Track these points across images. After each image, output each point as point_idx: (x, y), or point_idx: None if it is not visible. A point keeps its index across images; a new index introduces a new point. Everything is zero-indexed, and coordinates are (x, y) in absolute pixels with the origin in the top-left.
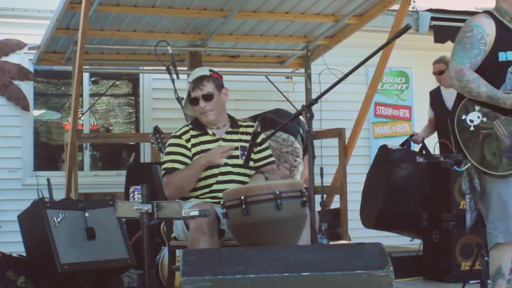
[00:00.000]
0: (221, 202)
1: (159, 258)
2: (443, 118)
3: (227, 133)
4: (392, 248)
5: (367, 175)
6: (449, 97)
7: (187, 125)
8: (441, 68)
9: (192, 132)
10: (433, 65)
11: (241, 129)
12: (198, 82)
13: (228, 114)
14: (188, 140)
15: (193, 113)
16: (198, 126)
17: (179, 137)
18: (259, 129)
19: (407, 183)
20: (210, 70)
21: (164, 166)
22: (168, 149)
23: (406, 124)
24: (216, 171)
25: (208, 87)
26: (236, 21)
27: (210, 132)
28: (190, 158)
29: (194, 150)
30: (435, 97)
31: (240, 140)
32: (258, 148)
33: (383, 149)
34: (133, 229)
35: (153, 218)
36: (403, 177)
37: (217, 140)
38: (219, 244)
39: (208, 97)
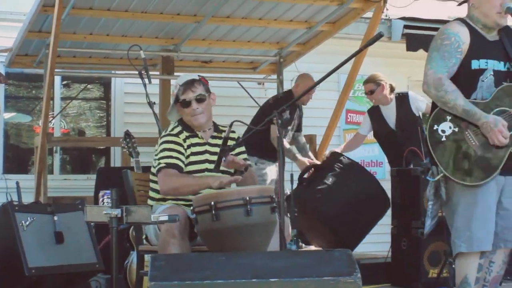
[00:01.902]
0: (191, 208)
1: (128, 263)
2: (389, 134)
3: (212, 137)
4: (361, 255)
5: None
6: (388, 113)
7: (177, 126)
8: (371, 88)
9: (185, 133)
10: (364, 85)
11: (223, 134)
12: (189, 85)
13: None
14: (184, 140)
15: (177, 118)
16: (187, 128)
17: (176, 135)
18: (229, 135)
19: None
20: (198, 75)
21: (163, 160)
22: (166, 145)
23: None
24: (198, 175)
25: (200, 89)
26: (209, 27)
27: (199, 135)
28: (186, 158)
29: (188, 151)
30: (376, 115)
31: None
32: (235, 152)
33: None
34: (102, 234)
35: (122, 223)
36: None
37: (204, 144)
38: (190, 247)
39: (200, 100)
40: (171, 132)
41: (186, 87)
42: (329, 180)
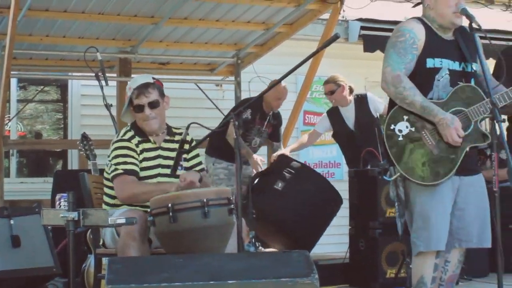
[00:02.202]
0: (148, 210)
1: (85, 266)
2: (348, 135)
3: (165, 141)
4: (319, 256)
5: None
6: (347, 114)
7: (130, 130)
8: (331, 88)
9: (138, 138)
10: (324, 86)
11: (176, 137)
12: (143, 89)
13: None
14: (137, 145)
15: (130, 120)
16: (139, 132)
17: (128, 141)
18: (186, 137)
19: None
20: (153, 78)
21: (119, 166)
22: (119, 151)
23: None
24: (148, 181)
25: (154, 95)
26: (166, 28)
27: (151, 139)
28: (139, 163)
29: (141, 156)
30: (335, 116)
31: (176, 149)
32: (190, 155)
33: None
34: (59, 237)
35: (79, 226)
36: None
37: (157, 148)
38: (149, 251)
39: (153, 105)
40: (123, 138)
41: (140, 92)
42: (279, 185)
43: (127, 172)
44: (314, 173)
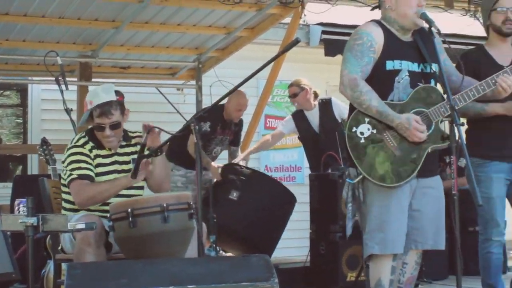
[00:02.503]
0: (108, 215)
1: (45, 272)
2: (313, 138)
3: (121, 146)
4: (280, 260)
5: None
6: (312, 118)
7: (84, 137)
8: (294, 91)
9: (91, 144)
10: (288, 88)
11: (132, 141)
12: (106, 110)
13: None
14: (90, 151)
15: (87, 126)
16: (94, 139)
17: (82, 146)
18: (146, 142)
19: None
20: (116, 93)
21: (74, 172)
22: (73, 157)
23: (295, 137)
24: (107, 180)
25: (116, 116)
26: (127, 32)
27: (106, 146)
28: (93, 168)
29: (95, 162)
30: (300, 119)
31: (133, 153)
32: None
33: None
34: (19, 243)
35: (39, 232)
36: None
37: (112, 155)
38: (106, 256)
39: (115, 126)
40: (77, 144)
41: (102, 112)
42: (234, 195)
43: (81, 177)
44: (266, 177)
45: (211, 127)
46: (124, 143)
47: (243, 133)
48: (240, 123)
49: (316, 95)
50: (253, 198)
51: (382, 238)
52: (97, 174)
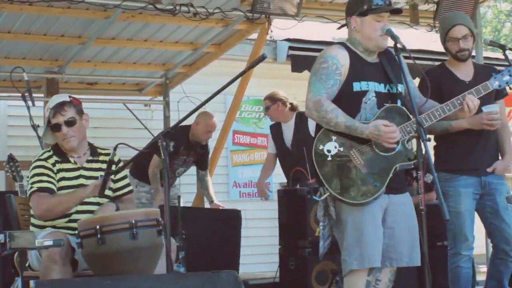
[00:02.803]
0: (76, 232)
1: None
2: (284, 152)
3: (88, 161)
4: (249, 275)
5: None
6: (287, 131)
7: (49, 151)
8: (267, 105)
9: (55, 158)
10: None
11: (100, 157)
12: (59, 108)
13: (88, 142)
14: (53, 165)
15: (52, 141)
16: (59, 153)
17: (45, 160)
18: (114, 158)
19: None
20: (69, 96)
21: (34, 185)
22: (36, 170)
23: (264, 152)
24: (66, 192)
25: (70, 112)
26: (94, 48)
27: (71, 160)
28: (56, 182)
29: (58, 176)
30: (275, 131)
31: (100, 169)
32: (117, 177)
33: None
34: None
35: (6, 249)
36: None
37: (78, 169)
38: (72, 274)
39: (70, 123)
40: (40, 157)
41: (56, 111)
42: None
43: (41, 189)
44: (203, 210)
45: (174, 148)
46: (91, 158)
47: (211, 149)
48: (206, 146)
49: (293, 108)
50: (202, 231)
51: (359, 254)
52: (61, 188)
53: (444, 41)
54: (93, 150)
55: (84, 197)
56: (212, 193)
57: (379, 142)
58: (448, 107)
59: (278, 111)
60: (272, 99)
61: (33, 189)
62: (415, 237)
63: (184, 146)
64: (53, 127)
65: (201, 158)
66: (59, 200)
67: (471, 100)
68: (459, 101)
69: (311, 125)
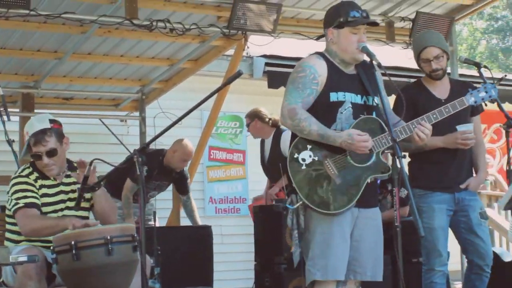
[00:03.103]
0: (51, 248)
1: None
2: (264, 168)
3: (66, 176)
4: None
5: None
6: (267, 147)
7: (28, 167)
8: (247, 122)
9: (36, 174)
10: None
11: (78, 171)
12: (40, 137)
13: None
14: (35, 181)
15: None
16: (38, 170)
17: (26, 176)
18: (88, 174)
19: None
20: (50, 121)
21: (20, 201)
22: (18, 186)
23: (240, 168)
24: (53, 215)
25: (51, 143)
26: (70, 63)
27: (51, 177)
28: (39, 197)
29: (40, 192)
30: (261, 147)
31: (76, 183)
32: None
33: None
34: None
35: None
36: None
37: (58, 185)
38: None
39: (51, 153)
40: (21, 174)
41: (37, 140)
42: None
43: (27, 205)
44: (177, 228)
45: (147, 172)
46: (69, 173)
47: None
48: (182, 172)
49: (274, 124)
50: (176, 251)
51: (324, 265)
52: (43, 204)
53: (417, 60)
54: (71, 165)
55: (65, 228)
56: (198, 219)
57: (352, 150)
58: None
59: (257, 128)
60: (251, 116)
61: (19, 205)
62: (379, 253)
63: (157, 171)
64: (34, 156)
65: (179, 183)
66: (47, 224)
67: (421, 130)
68: (434, 115)
69: (283, 145)
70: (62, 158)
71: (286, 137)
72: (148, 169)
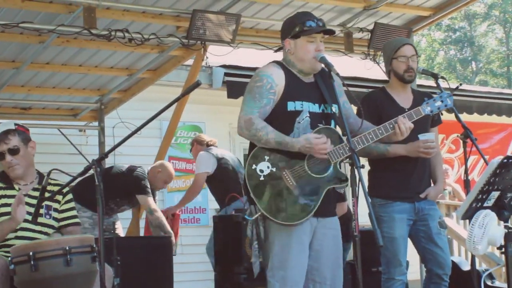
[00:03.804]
0: (9, 258)
1: None
2: None
3: (34, 189)
4: None
5: None
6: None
7: None
8: (191, 147)
9: (0, 184)
10: None
11: (49, 187)
12: (3, 136)
13: (36, 170)
14: None
15: (2, 168)
16: (5, 179)
17: None
18: (47, 184)
19: None
20: (15, 124)
21: None
22: None
23: None
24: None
25: (14, 141)
26: (28, 73)
27: (16, 187)
28: None
29: (0, 201)
30: None
31: (46, 199)
32: (62, 207)
33: None
34: None
35: None
36: None
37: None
38: None
39: (14, 151)
40: None
41: (0, 139)
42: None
43: None
44: (136, 238)
45: (117, 205)
46: (37, 186)
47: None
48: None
49: (200, 142)
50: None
51: (283, 276)
52: (2, 214)
53: (390, 62)
54: (42, 179)
55: (10, 230)
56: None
57: (312, 154)
58: (380, 131)
59: (197, 151)
60: (192, 142)
61: None
62: (339, 262)
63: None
64: None
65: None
66: None
67: (403, 123)
68: (391, 125)
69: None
70: (27, 161)
71: (199, 158)
72: (119, 200)
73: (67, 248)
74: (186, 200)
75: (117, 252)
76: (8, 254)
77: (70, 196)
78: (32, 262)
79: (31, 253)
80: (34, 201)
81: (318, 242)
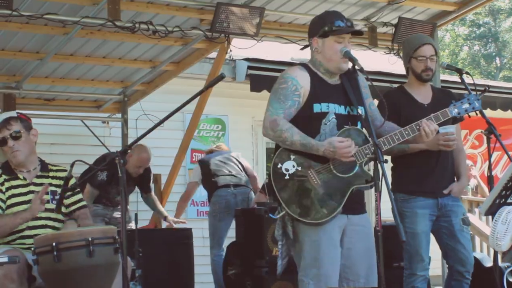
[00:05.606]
0: (32, 248)
1: None
2: None
3: (38, 177)
4: None
5: None
6: None
7: None
8: None
9: (4, 176)
10: None
11: (51, 173)
12: (5, 123)
13: (38, 158)
14: (2, 184)
15: (3, 159)
16: (8, 170)
17: None
18: (71, 174)
19: None
20: (17, 113)
21: None
22: None
23: None
24: (8, 214)
25: (15, 127)
26: (52, 64)
27: (20, 176)
28: (4, 201)
29: (7, 193)
30: None
31: (50, 185)
32: (69, 192)
33: None
34: None
35: None
36: None
37: (28, 185)
38: None
39: (16, 137)
40: None
41: (2, 126)
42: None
43: None
44: (157, 231)
45: (108, 177)
46: (40, 173)
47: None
48: (144, 172)
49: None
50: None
51: (316, 274)
52: (12, 205)
53: (408, 60)
54: (44, 166)
55: (26, 220)
56: (162, 209)
57: (336, 157)
58: (407, 132)
59: None
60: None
61: None
62: (372, 258)
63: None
64: (1, 142)
65: (142, 182)
66: (3, 222)
67: (428, 125)
68: (418, 126)
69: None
70: (29, 147)
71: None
72: (108, 173)
73: (90, 239)
74: (180, 208)
75: (139, 244)
76: (25, 246)
77: (73, 180)
78: (55, 253)
79: (54, 244)
80: (39, 189)
81: (349, 240)
